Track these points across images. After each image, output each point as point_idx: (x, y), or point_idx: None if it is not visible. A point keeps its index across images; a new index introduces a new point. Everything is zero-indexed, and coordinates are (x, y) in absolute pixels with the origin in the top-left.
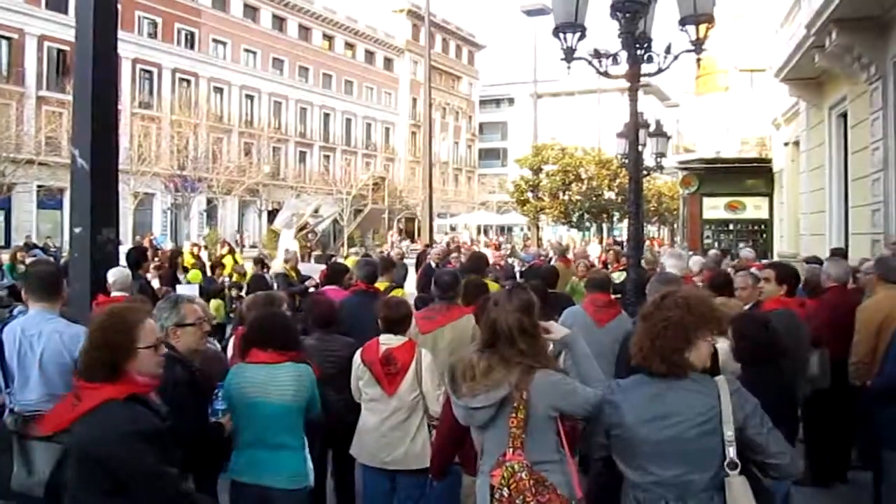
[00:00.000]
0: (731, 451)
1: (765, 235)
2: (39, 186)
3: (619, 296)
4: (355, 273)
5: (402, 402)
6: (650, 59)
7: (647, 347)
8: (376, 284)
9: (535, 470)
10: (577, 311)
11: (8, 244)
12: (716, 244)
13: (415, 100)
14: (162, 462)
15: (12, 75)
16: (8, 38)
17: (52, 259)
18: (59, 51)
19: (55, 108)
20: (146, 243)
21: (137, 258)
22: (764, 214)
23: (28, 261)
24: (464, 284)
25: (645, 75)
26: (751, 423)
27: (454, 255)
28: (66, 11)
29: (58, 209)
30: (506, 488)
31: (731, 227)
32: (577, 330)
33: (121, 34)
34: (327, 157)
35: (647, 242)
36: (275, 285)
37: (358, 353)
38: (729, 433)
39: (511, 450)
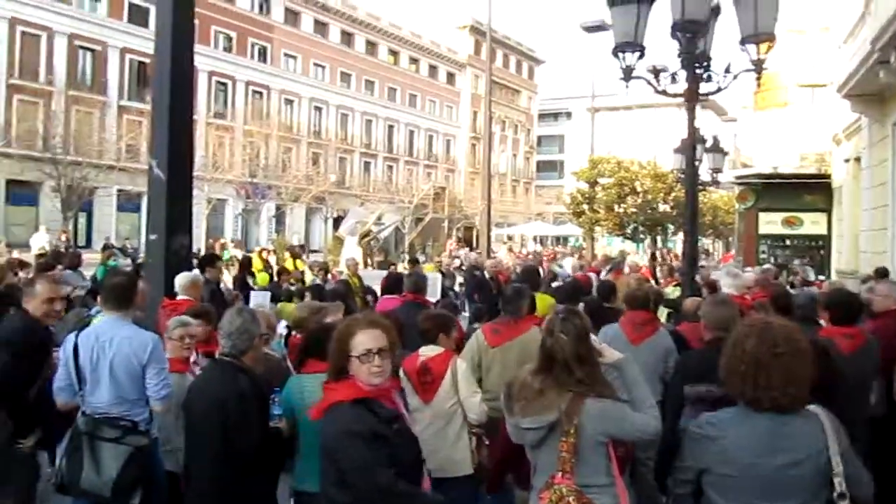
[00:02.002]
0: (839, 483)
1: (822, 252)
2: (119, 191)
3: (670, 311)
4: (406, 283)
5: (440, 410)
6: (709, 79)
7: (762, 378)
8: None
9: (583, 493)
10: (614, 328)
11: (89, 245)
12: (772, 259)
13: (475, 113)
14: (376, 461)
15: (96, 85)
16: (92, 50)
17: (130, 261)
18: (140, 62)
19: (135, 116)
20: (217, 247)
21: (207, 262)
22: (822, 230)
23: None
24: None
25: (704, 95)
26: (848, 454)
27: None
28: (146, 25)
29: (136, 212)
30: None
31: (787, 242)
32: (629, 356)
33: (198, 48)
34: (391, 167)
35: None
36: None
37: (401, 363)
38: (837, 464)
39: (560, 473)
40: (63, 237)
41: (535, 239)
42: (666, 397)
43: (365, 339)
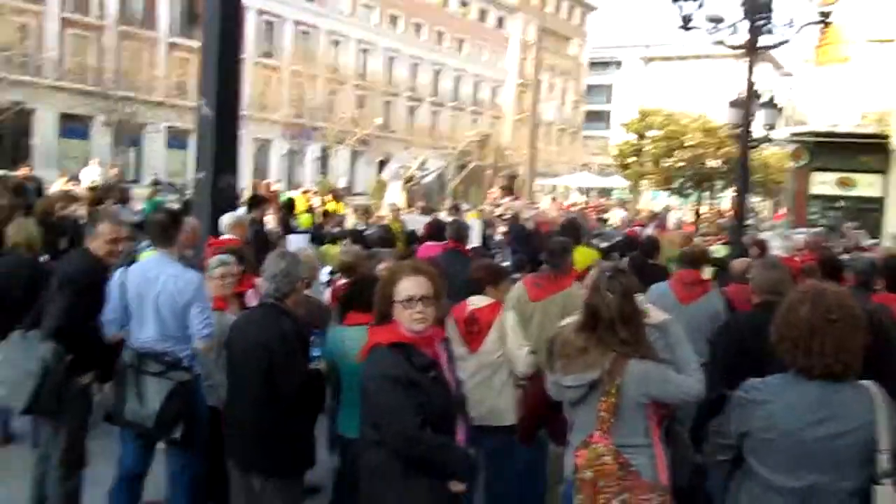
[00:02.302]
0: (885, 460)
1: (876, 214)
2: (168, 127)
3: (716, 269)
4: (448, 231)
5: (486, 360)
6: (771, 31)
7: (815, 345)
8: None
9: (620, 453)
10: (663, 287)
11: (138, 180)
12: (822, 221)
13: (524, 59)
14: (405, 407)
15: (146, 21)
16: None
17: (177, 197)
18: None
19: (185, 53)
20: (262, 189)
21: (254, 203)
22: (877, 192)
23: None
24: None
25: (763, 48)
26: None
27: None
28: None
29: (184, 149)
30: (589, 470)
31: (839, 203)
32: (673, 317)
33: None
34: (436, 112)
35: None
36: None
37: (450, 311)
38: (884, 441)
39: (598, 432)
40: (114, 171)
41: (579, 190)
42: (710, 358)
43: (409, 286)
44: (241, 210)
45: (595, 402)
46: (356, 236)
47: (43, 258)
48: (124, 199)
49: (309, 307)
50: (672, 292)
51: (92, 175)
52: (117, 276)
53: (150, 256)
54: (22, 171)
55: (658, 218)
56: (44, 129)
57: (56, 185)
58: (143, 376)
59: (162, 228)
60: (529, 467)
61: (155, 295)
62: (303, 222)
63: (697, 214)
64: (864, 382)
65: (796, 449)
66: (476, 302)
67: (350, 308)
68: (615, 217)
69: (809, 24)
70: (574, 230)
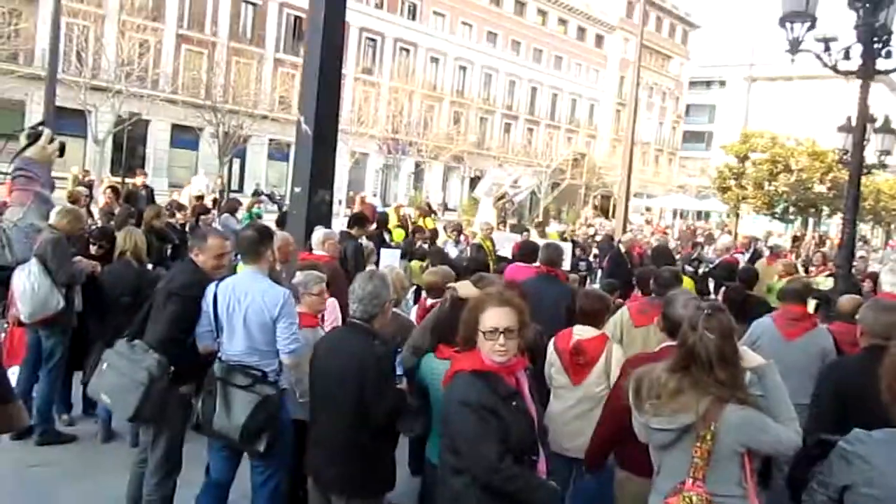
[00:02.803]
0: None
1: None
2: (271, 139)
3: (819, 302)
4: (541, 255)
5: (588, 392)
6: (889, 55)
7: None
8: None
9: (713, 502)
10: (767, 323)
11: (241, 190)
12: None
13: (622, 78)
14: (484, 435)
15: (255, 38)
16: (254, 4)
17: (277, 207)
18: (296, 17)
19: (289, 69)
20: (358, 202)
21: (357, 221)
22: None
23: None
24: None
25: (881, 72)
26: None
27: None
28: None
29: (285, 161)
30: None
31: None
32: (772, 362)
33: (350, 4)
34: (531, 129)
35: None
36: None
37: (553, 339)
38: None
39: (691, 480)
40: (218, 181)
41: (674, 212)
42: (812, 401)
43: (494, 317)
44: (337, 224)
45: (687, 447)
46: (438, 256)
47: (149, 265)
48: (233, 209)
49: (395, 325)
50: (776, 327)
51: (199, 185)
52: (211, 289)
53: (242, 271)
54: (140, 179)
55: (771, 246)
56: (157, 139)
57: (186, 193)
58: (231, 388)
59: (251, 245)
60: (597, 488)
61: (244, 310)
62: (396, 237)
63: (794, 240)
64: None
65: None
66: (582, 332)
67: (439, 340)
68: (721, 242)
69: None
70: (666, 256)
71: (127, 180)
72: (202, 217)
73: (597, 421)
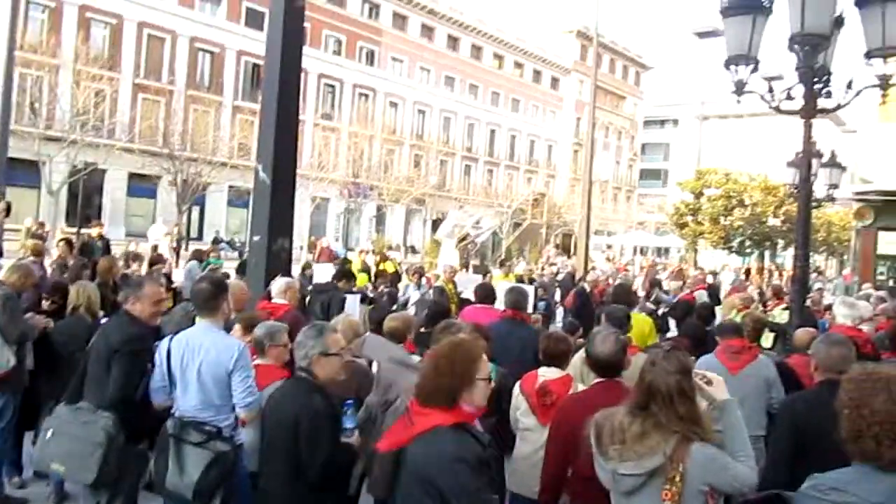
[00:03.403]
0: None
1: None
2: (230, 187)
3: (776, 335)
4: (506, 299)
5: None
6: (829, 94)
7: (876, 435)
8: None
9: None
10: (710, 359)
11: (201, 238)
12: (891, 281)
13: (578, 118)
14: (484, 488)
15: (213, 86)
16: (211, 53)
17: (237, 255)
18: (255, 64)
19: (248, 116)
20: (318, 245)
21: (344, 275)
22: None
23: (213, 257)
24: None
25: (822, 111)
26: None
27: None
28: (262, 28)
29: (245, 208)
30: None
31: None
32: (735, 399)
33: (308, 51)
34: (491, 171)
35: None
36: (432, 297)
37: (518, 382)
38: None
39: None
40: (175, 230)
41: (634, 249)
42: (769, 440)
43: (485, 363)
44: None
45: (654, 491)
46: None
47: (103, 319)
48: (198, 258)
49: (352, 374)
50: (719, 362)
51: (157, 234)
52: (164, 343)
53: (196, 324)
54: (95, 230)
55: (735, 280)
56: (114, 189)
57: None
58: (184, 445)
59: (206, 298)
60: None
61: (198, 363)
62: (359, 282)
63: (747, 274)
64: None
65: None
66: (547, 374)
67: None
68: (692, 277)
69: (868, 87)
70: (626, 295)
71: (83, 231)
72: (156, 267)
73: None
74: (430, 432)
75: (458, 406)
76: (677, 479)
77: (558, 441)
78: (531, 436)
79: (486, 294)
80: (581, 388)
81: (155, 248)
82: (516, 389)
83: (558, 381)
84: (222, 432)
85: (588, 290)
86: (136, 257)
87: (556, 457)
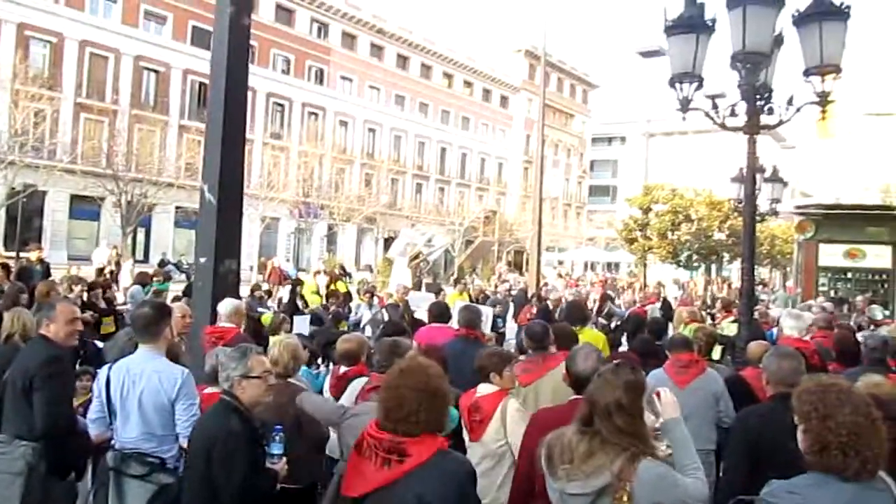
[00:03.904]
0: None
1: (886, 286)
2: (177, 207)
3: (724, 347)
4: (459, 317)
5: (487, 450)
6: (771, 111)
7: (864, 448)
8: None
9: None
10: (659, 373)
11: (147, 260)
12: (832, 293)
13: (528, 136)
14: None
15: (158, 105)
16: (156, 71)
17: (185, 277)
18: (201, 83)
19: (195, 135)
20: (268, 266)
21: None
22: (886, 264)
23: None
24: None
25: (764, 127)
26: None
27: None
28: (208, 47)
29: (192, 229)
30: None
31: (849, 275)
32: (679, 416)
33: (257, 70)
34: (442, 189)
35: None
36: (385, 316)
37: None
38: None
39: None
40: (113, 252)
41: (585, 265)
42: (723, 455)
43: None
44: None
45: None
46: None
47: None
48: (143, 282)
49: (287, 398)
50: (668, 376)
51: (102, 257)
52: (103, 372)
53: (137, 351)
54: (35, 254)
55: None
56: (55, 211)
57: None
58: (125, 478)
59: (147, 323)
60: None
61: (139, 392)
62: (311, 303)
63: (684, 288)
64: (882, 475)
65: None
66: (482, 390)
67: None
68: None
69: (808, 104)
70: (580, 311)
71: (21, 255)
72: (95, 291)
73: (500, 479)
74: (433, 459)
75: (434, 436)
76: (625, 498)
77: (527, 456)
78: (470, 451)
79: (440, 312)
80: (512, 403)
81: (100, 271)
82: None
83: (489, 396)
84: (166, 463)
85: (550, 307)
86: (79, 281)
87: (524, 472)
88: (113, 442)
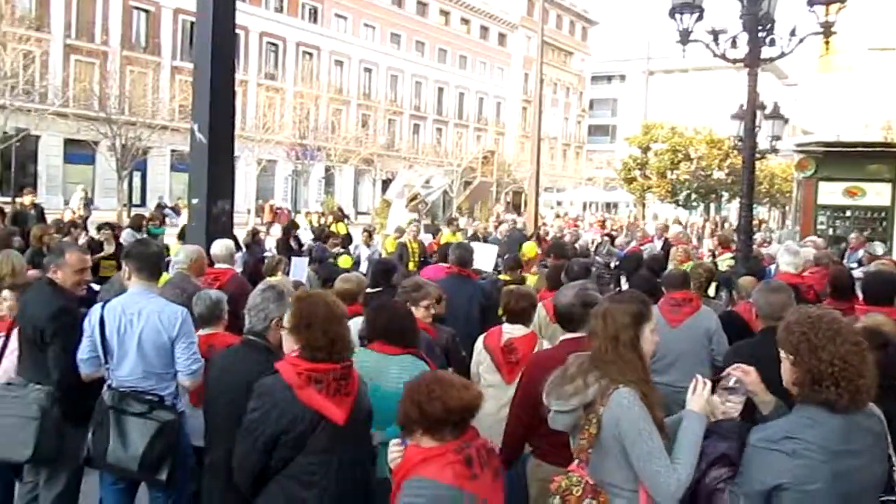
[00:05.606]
0: None
1: (884, 224)
2: (172, 151)
3: (718, 284)
4: (451, 255)
5: None
6: (772, 42)
7: (859, 379)
8: None
9: (597, 487)
10: (653, 312)
11: (143, 204)
12: (830, 231)
13: (527, 75)
14: None
15: (149, 46)
16: (146, 11)
17: (179, 221)
18: (192, 23)
19: (188, 77)
20: (268, 210)
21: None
22: (885, 202)
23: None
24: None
25: (766, 59)
26: None
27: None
28: None
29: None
30: (558, 497)
31: (847, 213)
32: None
33: (249, 8)
34: (440, 129)
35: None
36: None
37: (481, 338)
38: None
39: (576, 461)
40: (83, 194)
41: (584, 205)
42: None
43: None
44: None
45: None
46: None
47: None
48: (137, 225)
49: None
50: (661, 315)
51: (75, 202)
52: (96, 311)
53: (130, 290)
54: (28, 198)
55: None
56: (49, 155)
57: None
58: (125, 417)
59: (148, 263)
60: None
61: (138, 331)
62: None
63: (679, 223)
64: (871, 406)
65: (836, 490)
66: (513, 331)
67: (377, 338)
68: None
69: (812, 34)
70: (560, 250)
71: (16, 199)
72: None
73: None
74: None
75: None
76: (594, 421)
77: (524, 399)
78: (496, 393)
79: (445, 253)
80: (546, 346)
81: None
82: (479, 345)
83: (523, 338)
84: (164, 401)
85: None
86: (73, 224)
87: (519, 415)
88: (108, 381)
